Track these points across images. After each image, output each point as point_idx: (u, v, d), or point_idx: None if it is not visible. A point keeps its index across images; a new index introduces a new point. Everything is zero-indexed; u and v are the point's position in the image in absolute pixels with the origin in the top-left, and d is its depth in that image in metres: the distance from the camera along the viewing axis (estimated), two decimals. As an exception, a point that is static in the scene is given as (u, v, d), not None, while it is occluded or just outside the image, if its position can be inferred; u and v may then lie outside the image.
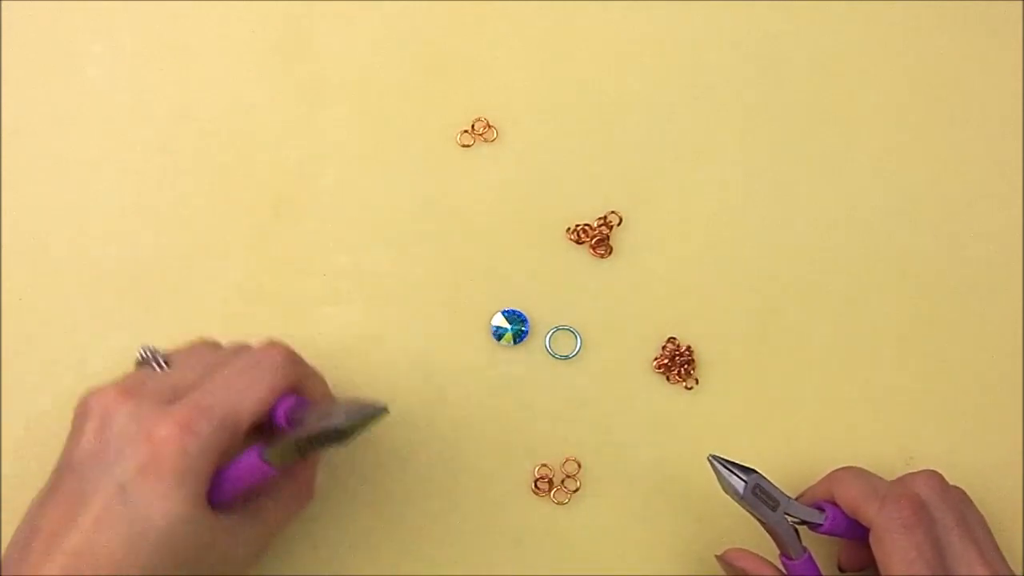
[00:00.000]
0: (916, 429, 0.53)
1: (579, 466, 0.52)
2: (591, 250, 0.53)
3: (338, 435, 0.40)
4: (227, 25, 0.54)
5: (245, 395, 0.42)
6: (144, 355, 0.45)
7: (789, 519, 0.45)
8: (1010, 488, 0.52)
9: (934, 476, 0.46)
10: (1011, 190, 0.54)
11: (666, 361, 0.52)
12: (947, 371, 0.53)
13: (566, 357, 0.53)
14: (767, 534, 0.46)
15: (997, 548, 0.45)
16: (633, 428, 0.52)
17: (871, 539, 0.44)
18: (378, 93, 0.54)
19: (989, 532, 0.46)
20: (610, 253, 0.53)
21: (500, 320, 0.52)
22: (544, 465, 0.52)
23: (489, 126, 0.54)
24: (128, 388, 0.41)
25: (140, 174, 0.53)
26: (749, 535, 0.49)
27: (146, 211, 0.53)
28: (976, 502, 0.48)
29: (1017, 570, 0.50)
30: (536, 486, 0.51)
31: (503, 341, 0.52)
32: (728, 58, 0.55)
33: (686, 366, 0.52)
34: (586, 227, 0.53)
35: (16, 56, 0.53)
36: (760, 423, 0.52)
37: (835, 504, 0.47)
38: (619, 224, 0.53)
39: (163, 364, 0.45)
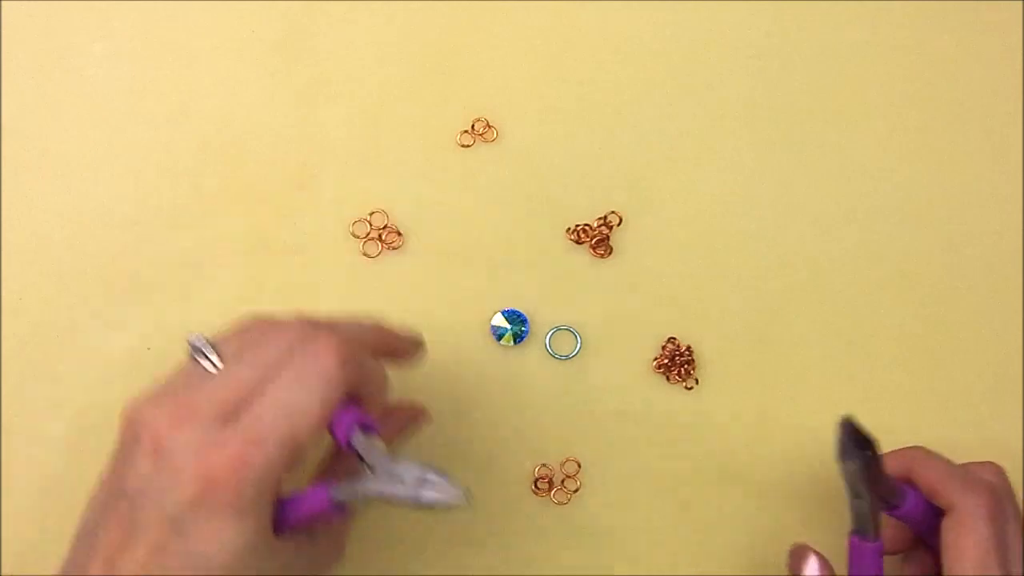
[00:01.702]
0: (916, 429, 0.53)
1: (579, 466, 0.52)
2: (591, 250, 0.53)
3: (410, 506, 0.40)
4: (227, 25, 0.54)
5: (300, 416, 0.39)
6: (195, 347, 0.43)
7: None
8: (1010, 488, 0.52)
9: (1002, 470, 0.46)
10: (1011, 190, 0.54)
11: (666, 361, 0.52)
12: (947, 371, 0.53)
13: (566, 357, 0.53)
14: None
15: None
16: (633, 428, 0.52)
17: (947, 523, 0.43)
18: (378, 93, 0.54)
19: None
20: (610, 253, 0.53)
21: (500, 320, 0.52)
22: (544, 465, 0.52)
23: (489, 126, 0.54)
24: (181, 411, 0.39)
25: (140, 174, 0.53)
26: (748, 535, 0.49)
27: (146, 211, 0.53)
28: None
29: None
30: (536, 486, 0.51)
31: (503, 341, 0.52)
32: (728, 58, 0.55)
33: (686, 366, 0.52)
34: (586, 227, 0.53)
35: (16, 56, 0.53)
36: (760, 423, 0.52)
37: (912, 486, 0.46)
38: (619, 224, 0.53)
39: (215, 360, 0.42)
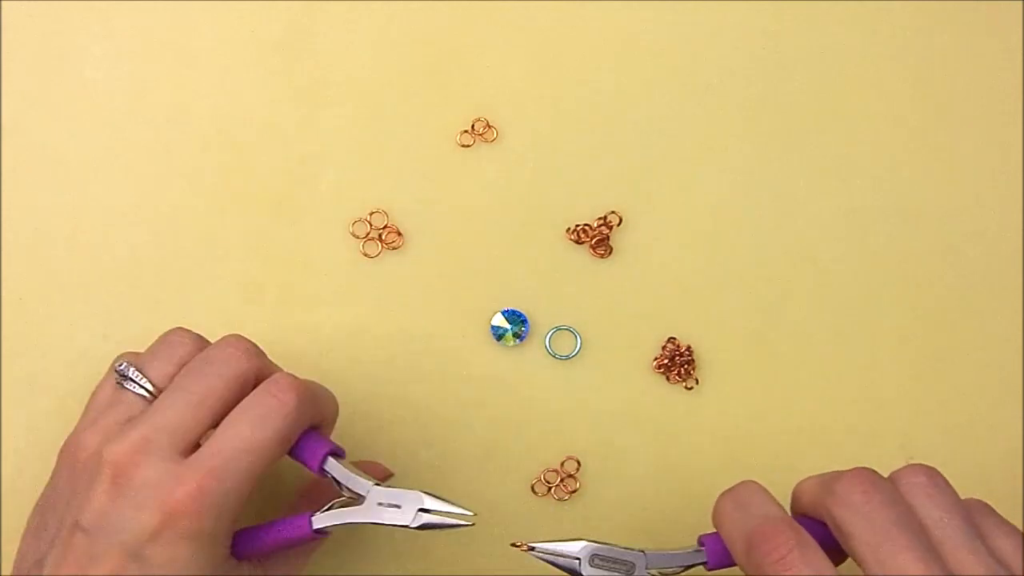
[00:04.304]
0: (916, 429, 0.53)
1: (579, 466, 0.52)
2: (591, 250, 0.53)
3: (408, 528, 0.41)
4: (227, 25, 0.54)
5: (259, 452, 0.41)
6: (124, 373, 0.44)
7: (663, 572, 0.42)
8: (1010, 488, 0.52)
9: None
10: (1011, 190, 0.54)
11: (666, 361, 0.52)
12: (947, 371, 0.53)
13: (566, 357, 0.53)
14: None
15: None
16: (633, 428, 0.52)
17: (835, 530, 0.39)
18: (378, 93, 0.54)
19: None
20: (610, 253, 0.53)
21: (500, 320, 0.52)
22: (544, 466, 0.52)
23: (489, 126, 0.54)
24: (141, 443, 0.40)
25: (140, 174, 0.53)
26: (749, 535, 0.49)
27: (146, 211, 0.53)
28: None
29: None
30: (535, 486, 0.51)
31: (503, 341, 0.52)
32: (728, 58, 0.55)
33: (686, 366, 0.52)
34: (586, 227, 0.53)
35: (16, 56, 0.53)
36: (760, 423, 0.52)
37: (713, 536, 0.42)
38: (619, 224, 0.53)
39: (148, 386, 0.43)
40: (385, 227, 0.53)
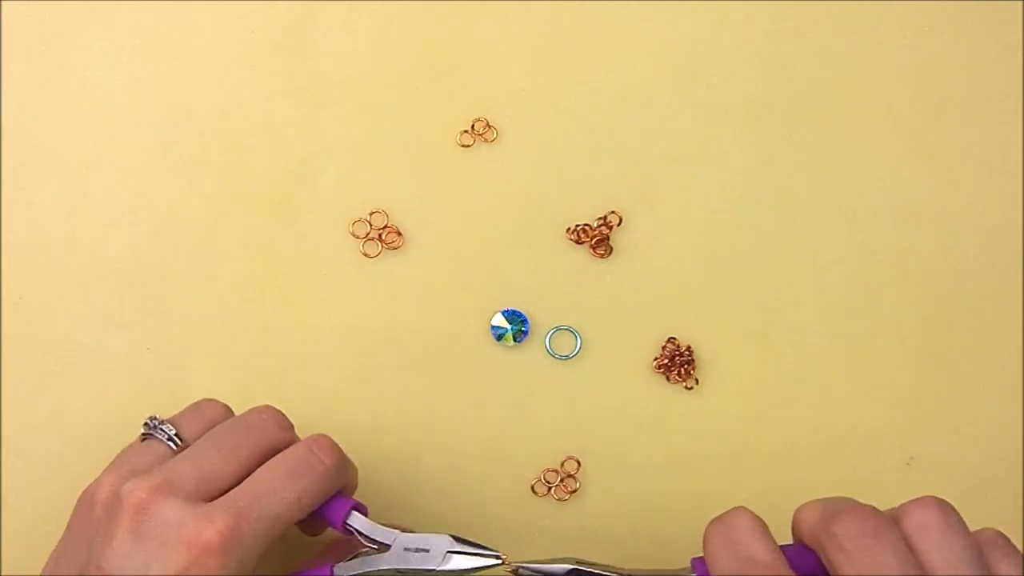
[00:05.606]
0: (916, 429, 0.53)
1: (579, 466, 0.52)
2: (591, 250, 0.53)
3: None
4: (227, 25, 0.54)
5: (290, 501, 0.41)
6: (152, 427, 0.44)
7: None
8: (1010, 488, 0.52)
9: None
10: (1011, 190, 0.54)
11: (666, 361, 0.52)
12: (947, 371, 0.53)
13: (566, 357, 0.53)
14: None
15: None
16: (633, 428, 0.52)
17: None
18: (378, 93, 0.54)
19: None
20: (610, 253, 0.53)
21: (500, 320, 0.52)
22: (544, 466, 0.52)
23: (489, 126, 0.54)
24: (164, 483, 0.40)
25: (140, 174, 0.53)
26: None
27: (146, 211, 0.53)
28: (976, 502, 0.48)
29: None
30: (535, 486, 0.51)
31: (503, 341, 0.52)
32: (728, 57, 0.55)
33: (686, 366, 0.52)
34: (586, 227, 0.53)
35: (16, 56, 0.53)
36: (760, 423, 0.52)
37: (700, 559, 0.41)
38: (619, 224, 0.53)
39: (176, 439, 0.43)
40: (385, 227, 0.53)
